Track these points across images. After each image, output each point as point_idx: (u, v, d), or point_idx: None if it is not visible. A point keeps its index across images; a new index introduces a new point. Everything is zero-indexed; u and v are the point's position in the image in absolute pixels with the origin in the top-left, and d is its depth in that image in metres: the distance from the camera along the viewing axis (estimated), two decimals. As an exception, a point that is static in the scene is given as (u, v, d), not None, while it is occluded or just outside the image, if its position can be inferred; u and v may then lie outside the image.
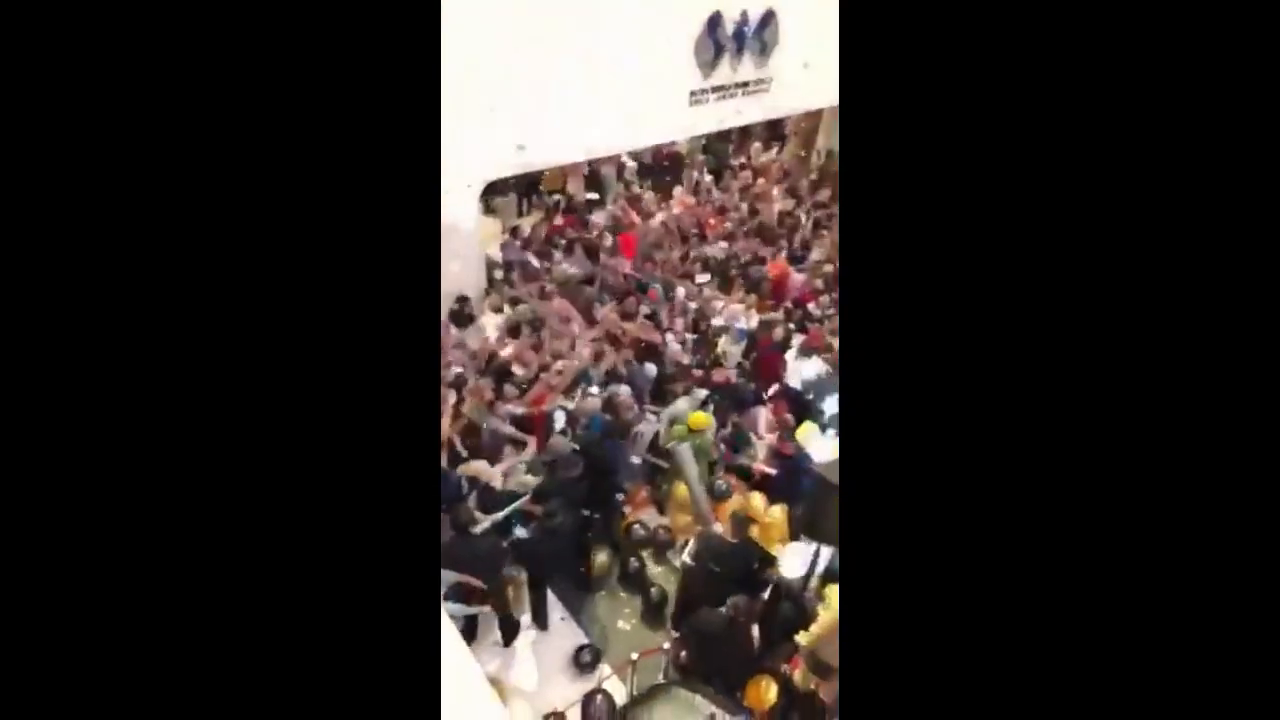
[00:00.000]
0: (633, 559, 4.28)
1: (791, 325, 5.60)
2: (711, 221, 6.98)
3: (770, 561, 3.63)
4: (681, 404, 4.54)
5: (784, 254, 6.65)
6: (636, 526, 4.43)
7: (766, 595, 3.64)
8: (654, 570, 4.33)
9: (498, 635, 3.83)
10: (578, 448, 4.01)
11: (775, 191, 7.77)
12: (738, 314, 5.55)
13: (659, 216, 6.87)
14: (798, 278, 6.31)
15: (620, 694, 3.43)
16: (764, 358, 5.26)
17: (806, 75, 6.54)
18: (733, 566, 3.51)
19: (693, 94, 5.86)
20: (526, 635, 3.91)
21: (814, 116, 8.54)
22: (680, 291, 5.76)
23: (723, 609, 3.26)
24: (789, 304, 6.00)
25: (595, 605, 4.18)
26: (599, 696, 3.22)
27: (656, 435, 4.60)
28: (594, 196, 7.65)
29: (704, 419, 4.31)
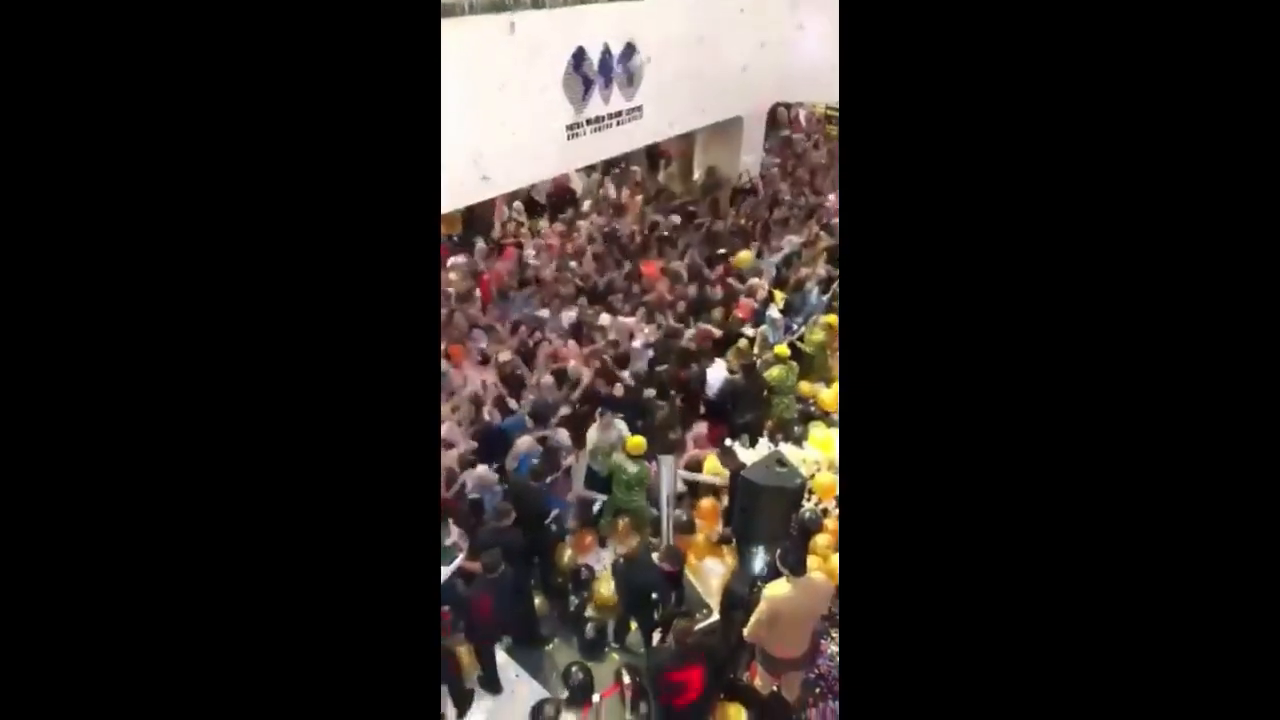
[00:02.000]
0: (571, 598, 4.18)
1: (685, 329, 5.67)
2: (570, 248, 7.06)
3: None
4: (593, 433, 4.52)
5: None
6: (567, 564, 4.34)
7: (718, 615, 3.67)
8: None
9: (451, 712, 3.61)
10: (506, 492, 3.90)
11: (638, 201, 8.07)
12: (627, 328, 5.59)
13: (529, 248, 6.92)
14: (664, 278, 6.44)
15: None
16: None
17: (676, 100, 6.83)
18: (644, 586, 3.56)
19: (569, 128, 5.96)
20: (481, 703, 3.72)
21: (688, 138, 8.92)
22: (565, 315, 5.79)
23: (669, 643, 3.23)
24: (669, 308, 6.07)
25: (550, 655, 4.04)
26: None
27: (590, 470, 4.55)
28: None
29: (641, 442, 4.29)
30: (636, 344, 5.40)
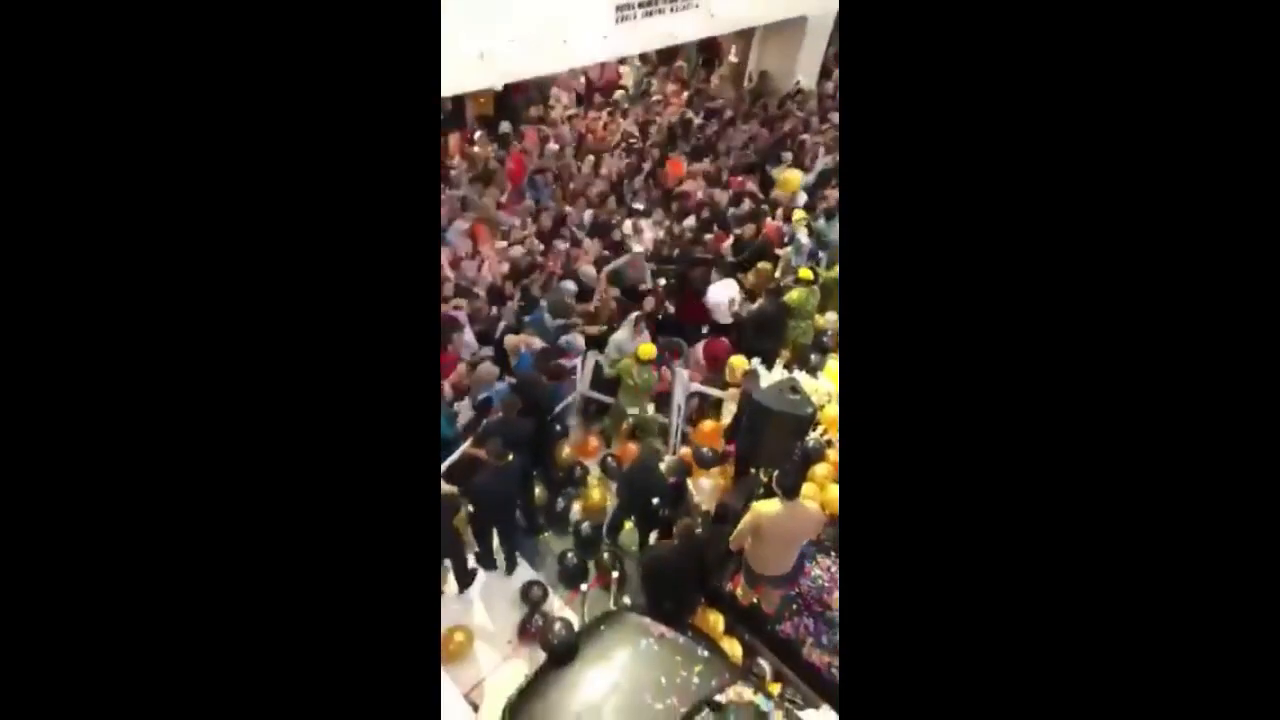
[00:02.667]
0: (560, 498, 4.31)
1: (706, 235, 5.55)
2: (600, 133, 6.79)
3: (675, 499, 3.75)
4: (622, 333, 4.45)
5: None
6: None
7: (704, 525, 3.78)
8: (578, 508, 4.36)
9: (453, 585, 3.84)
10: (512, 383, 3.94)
11: (681, 99, 7.67)
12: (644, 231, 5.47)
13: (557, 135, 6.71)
14: (693, 178, 6.25)
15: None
16: (687, 305, 5.19)
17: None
18: (645, 492, 3.64)
19: (618, 9, 5.52)
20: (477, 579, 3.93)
21: (745, 36, 8.25)
22: (588, 214, 5.65)
23: (674, 540, 3.35)
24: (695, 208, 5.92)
25: (544, 543, 4.23)
26: (557, 623, 3.27)
27: (598, 369, 4.55)
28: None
29: (652, 350, 4.26)
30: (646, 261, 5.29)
